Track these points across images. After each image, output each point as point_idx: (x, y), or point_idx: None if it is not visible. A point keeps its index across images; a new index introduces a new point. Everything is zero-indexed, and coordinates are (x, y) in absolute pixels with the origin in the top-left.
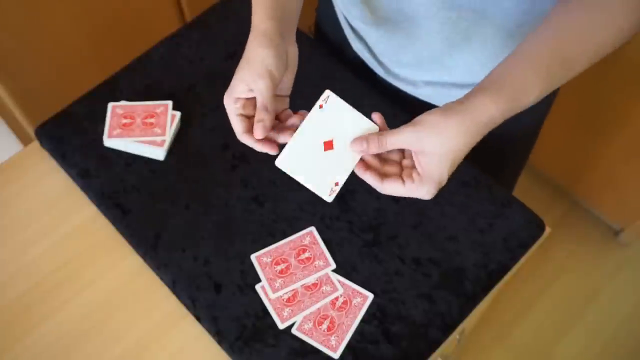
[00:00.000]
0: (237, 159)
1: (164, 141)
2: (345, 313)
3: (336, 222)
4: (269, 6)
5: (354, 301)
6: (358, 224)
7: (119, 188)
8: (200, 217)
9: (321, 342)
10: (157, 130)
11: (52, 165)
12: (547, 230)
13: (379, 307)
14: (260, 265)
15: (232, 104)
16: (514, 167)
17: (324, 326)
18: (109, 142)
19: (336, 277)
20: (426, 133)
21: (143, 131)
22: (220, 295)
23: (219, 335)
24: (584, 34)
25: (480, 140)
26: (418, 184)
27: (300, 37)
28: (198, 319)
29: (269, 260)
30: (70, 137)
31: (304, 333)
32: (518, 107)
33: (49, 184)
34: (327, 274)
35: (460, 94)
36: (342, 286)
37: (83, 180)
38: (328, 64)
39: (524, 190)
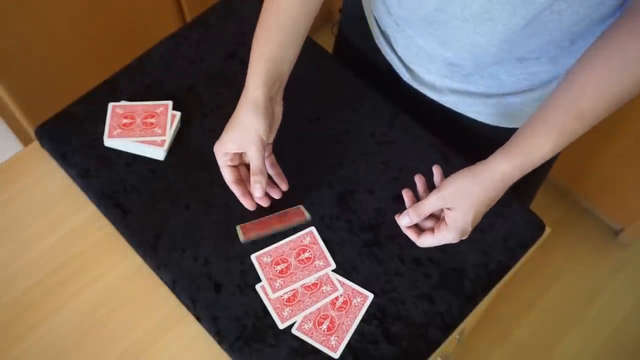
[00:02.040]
0: None
1: (164, 141)
2: (345, 313)
3: (336, 222)
4: (264, 73)
5: (354, 301)
6: (358, 224)
7: (119, 188)
8: (200, 217)
9: (321, 342)
10: (157, 130)
11: (52, 165)
12: (547, 230)
13: (379, 307)
14: (261, 265)
15: (222, 157)
16: (535, 179)
17: (324, 326)
18: (109, 142)
19: (336, 277)
20: (449, 194)
21: (143, 131)
22: (220, 295)
23: (219, 335)
24: (599, 89)
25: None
26: (445, 233)
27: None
28: (198, 319)
29: (269, 260)
30: (70, 137)
31: (304, 333)
32: (532, 161)
33: (49, 184)
34: (327, 274)
35: (485, 102)
36: (342, 286)
37: (83, 180)
38: (329, 63)
39: None
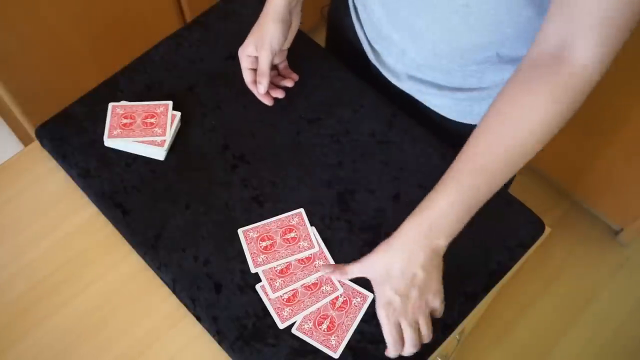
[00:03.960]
0: (237, 159)
1: (164, 141)
2: (345, 313)
3: (336, 222)
4: None
5: (354, 301)
6: (358, 224)
7: (119, 188)
8: (200, 217)
9: (321, 342)
10: (157, 130)
11: (52, 165)
12: (547, 230)
13: None
14: (246, 240)
15: (245, 59)
16: None
17: (324, 326)
18: (109, 142)
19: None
20: (365, 264)
21: (143, 131)
22: (220, 295)
23: (219, 335)
24: (491, 143)
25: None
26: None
27: (303, 38)
28: (198, 319)
29: (255, 235)
30: (71, 137)
31: (304, 333)
32: (430, 215)
33: (49, 184)
34: None
35: (437, 94)
36: (342, 286)
37: (83, 180)
38: (329, 63)
39: (524, 190)
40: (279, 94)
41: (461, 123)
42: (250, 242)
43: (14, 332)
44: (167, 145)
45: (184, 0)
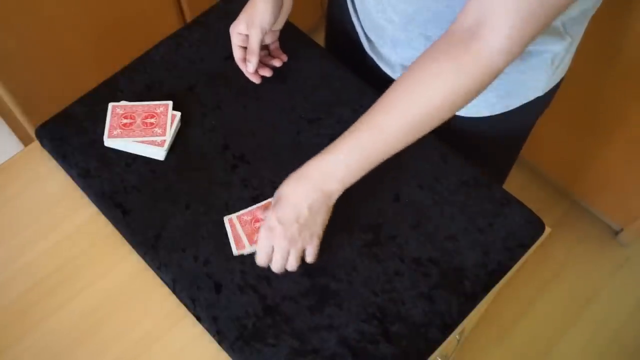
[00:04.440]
0: (237, 159)
1: (164, 141)
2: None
3: (336, 222)
4: None
5: None
6: (358, 224)
7: (119, 188)
8: (200, 217)
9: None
10: (157, 130)
11: (52, 165)
12: (547, 230)
13: (379, 307)
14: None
15: (235, 36)
16: (503, 161)
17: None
18: (109, 142)
19: None
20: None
21: (143, 131)
22: (220, 295)
23: (219, 335)
24: (389, 102)
25: (468, 136)
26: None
27: (303, 38)
28: (198, 319)
29: (249, 218)
30: (71, 137)
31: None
32: (325, 160)
33: (49, 184)
34: None
35: None
36: None
37: (83, 180)
38: (329, 63)
39: (524, 190)
40: (267, 73)
41: (457, 115)
42: (233, 227)
43: (14, 332)
44: (167, 145)
45: (184, 0)
